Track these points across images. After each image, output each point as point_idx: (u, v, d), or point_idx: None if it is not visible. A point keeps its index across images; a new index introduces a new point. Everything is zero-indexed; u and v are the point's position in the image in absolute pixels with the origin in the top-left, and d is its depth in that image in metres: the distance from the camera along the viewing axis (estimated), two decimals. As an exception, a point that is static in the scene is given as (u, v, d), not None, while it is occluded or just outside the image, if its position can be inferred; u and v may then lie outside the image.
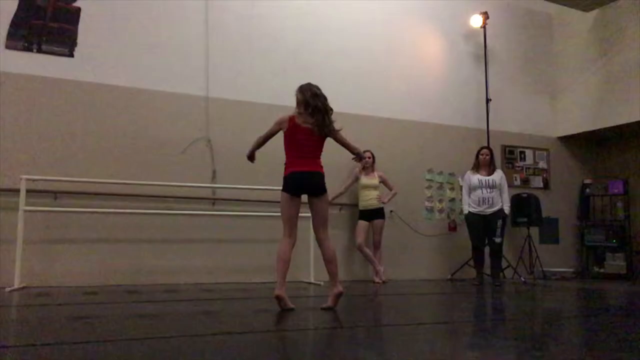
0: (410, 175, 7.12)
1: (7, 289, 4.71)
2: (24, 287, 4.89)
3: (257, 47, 6.50)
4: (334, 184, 6.53)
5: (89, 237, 5.49)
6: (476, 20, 7.70)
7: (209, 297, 4.75)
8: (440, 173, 7.42)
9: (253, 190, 6.02)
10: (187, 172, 5.90)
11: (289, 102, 6.46)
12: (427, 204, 7.29)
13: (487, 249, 6.58)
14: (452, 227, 7.33)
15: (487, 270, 6.63)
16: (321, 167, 3.98)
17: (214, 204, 6.07)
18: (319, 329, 3.26)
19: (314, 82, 6.70)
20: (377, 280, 6.31)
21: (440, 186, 7.42)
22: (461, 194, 6.90)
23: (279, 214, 6.05)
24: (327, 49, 6.88)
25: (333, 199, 6.50)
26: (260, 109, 6.35)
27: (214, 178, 6.07)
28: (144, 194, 5.66)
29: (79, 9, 5.76)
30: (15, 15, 5.52)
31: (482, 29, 7.69)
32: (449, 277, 7.01)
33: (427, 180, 7.34)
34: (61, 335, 2.87)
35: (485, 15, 7.63)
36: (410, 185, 7.06)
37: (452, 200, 7.45)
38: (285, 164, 3.96)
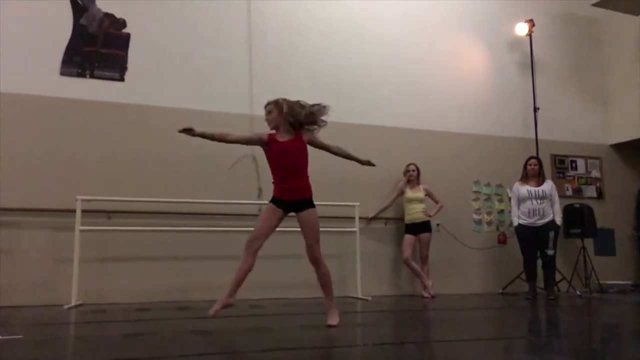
0: (457, 187, 7.00)
1: (65, 307, 4.88)
2: (80, 305, 5.05)
3: (299, 64, 6.58)
4: (378, 199, 6.52)
5: (141, 255, 5.64)
6: (521, 29, 7.57)
7: (258, 312, 4.79)
8: (488, 185, 7.28)
9: (298, 206, 6.04)
10: (234, 189, 5.98)
11: (332, 117, 6.52)
12: (475, 216, 7.15)
13: (539, 262, 6.38)
14: (502, 240, 7.15)
15: (540, 283, 6.42)
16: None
17: (260, 220, 6.12)
18: (368, 346, 3.22)
19: (354, 96, 6.81)
20: (425, 294, 6.21)
21: (488, 198, 7.26)
22: (510, 206, 6.74)
23: (325, 228, 6.11)
24: (367, 63, 6.89)
25: (378, 213, 6.49)
26: (303, 125, 6.42)
27: (259, 195, 6.14)
28: (192, 211, 5.77)
29: (128, 35, 5.98)
30: (69, 43, 5.78)
31: (528, 37, 7.55)
32: (501, 291, 6.83)
33: (474, 192, 7.20)
34: (118, 352, 2.95)
35: (531, 23, 7.49)
36: (456, 197, 6.94)
37: (501, 212, 7.28)
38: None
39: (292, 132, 3.74)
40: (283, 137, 3.72)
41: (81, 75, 5.79)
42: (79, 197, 5.17)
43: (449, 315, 4.96)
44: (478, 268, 6.97)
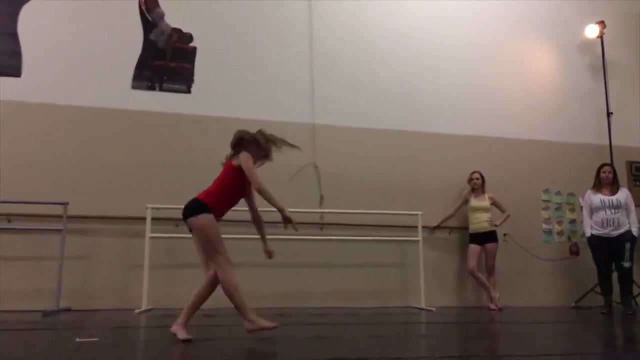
0: (525, 196, 6.76)
1: (136, 311, 5.07)
2: (150, 309, 5.23)
3: (360, 73, 6.60)
4: (441, 207, 6.40)
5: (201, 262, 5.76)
6: (592, 31, 7.27)
7: (320, 321, 4.79)
8: (558, 193, 6.98)
9: (360, 214, 6.03)
10: (295, 197, 6.03)
11: (395, 125, 6.53)
12: (544, 226, 6.88)
13: (615, 274, 6.05)
14: (574, 251, 6.83)
15: (616, 297, 6.08)
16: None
17: (322, 228, 6.16)
18: (435, 358, 3.14)
19: (418, 104, 6.73)
20: (492, 307, 6.02)
21: (559, 207, 6.97)
22: (582, 216, 6.43)
23: (387, 237, 6.12)
24: (431, 70, 6.82)
25: (442, 221, 6.37)
26: (365, 134, 6.42)
27: (321, 203, 6.17)
28: (256, 220, 5.86)
29: (195, 49, 6.19)
30: (140, 58, 6.05)
31: (599, 39, 7.23)
32: (573, 304, 6.51)
33: (544, 201, 6.93)
34: (188, 357, 3.02)
35: (602, 25, 7.18)
36: (525, 206, 6.69)
37: (573, 222, 6.96)
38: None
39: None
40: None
41: (151, 88, 6.04)
42: (149, 205, 5.37)
43: (517, 328, 4.77)
44: (548, 280, 6.69)
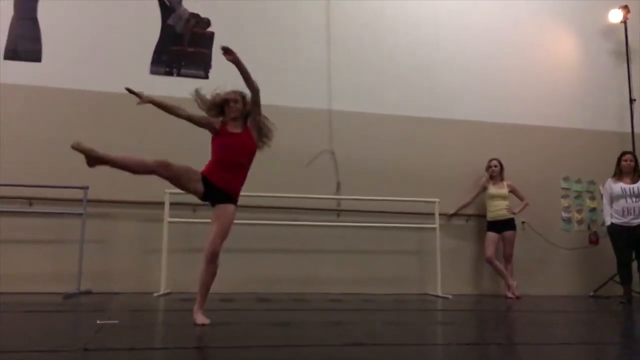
0: (544, 184, 6.67)
1: (155, 294, 5.13)
2: (168, 293, 5.29)
3: (377, 58, 6.53)
4: (459, 195, 6.35)
5: (224, 247, 5.80)
6: (615, 15, 7.10)
7: (337, 307, 4.81)
8: (578, 181, 6.89)
9: (377, 201, 6.02)
10: (312, 184, 6.04)
11: (413, 112, 6.48)
12: (564, 214, 6.79)
13: (635, 264, 5.97)
14: (594, 240, 6.74)
15: (635, 286, 6.01)
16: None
17: (338, 215, 6.16)
18: (452, 345, 3.14)
19: (436, 90, 6.65)
20: (509, 295, 5.98)
21: (579, 195, 6.87)
22: (602, 204, 6.33)
23: (404, 224, 6.10)
24: (449, 56, 6.72)
25: (459, 209, 6.33)
26: (382, 120, 6.38)
27: (338, 190, 6.16)
28: (272, 205, 5.88)
29: (212, 34, 6.18)
30: (158, 43, 6.06)
31: (623, 24, 7.07)
32: (592, 293, 6.44)
33: (563, 189, 6.84)
34: (205, 340, 3.06)
35: (626, 10, 7.01)
36: (544, 194, 6.61)
37: (593, 210, 6.87)
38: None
39: (241, 127, 3.67)
40: (234, 129, 3.65)
41: (169, 73, 6.05)
42: (167, 190, 5.41)
43: (535, 317, 4.74)
44: (567, 269, 6.62)
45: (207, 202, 3.70)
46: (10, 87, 5.57)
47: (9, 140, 5.47)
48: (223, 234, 3.57)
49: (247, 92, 3.71)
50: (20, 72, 5.64)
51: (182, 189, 3.59)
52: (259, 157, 5.93)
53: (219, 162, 3.63)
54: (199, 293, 3.57)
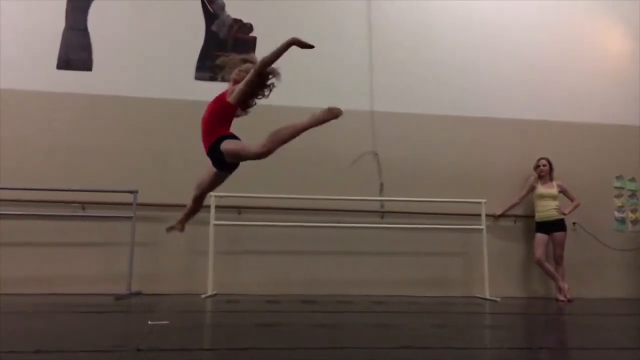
0: (596, 183, 6.44)
1: (202, 296, 5.22)
2: (215, 294, 5.37)
3: (420, 58, 6.47)
4: (506, 195, 6.20)
5: (269, 249, 5.87)
6: (671, 7, 6.81)
7: (382, 309, 4.77)
8: (633, 180, 6.61)
9: (421, 202, 5.95)
10: (355, 185, 6.02)
11: (457, 111, 6.38)
12: (617, 214, 6.54)
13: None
14: (649, 241, 6.47)
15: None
16: None
17: (382, 216, 6.12)
18: (503, 349, 3.07)
19: (480, 88, 6.52)
20: (561, 298, 5.80)
21: (633, 194, 6.60)
22: (659, 203, 6.07)
23: (450, 226, 6.00)
24: (493, 54, 6.59)
25: (506, 210, 6.18)
26: (425, 120, 6.31)
27: (381, 191, 6.13)
28: (316, 207, 5.90)
29: (255, 39, 6.26)
30: (202, 49, 6.17)
31: (679, 16, 6.77)
32: (648, 296, 6.19)
33: (617, 188, 6.58)
34: (253, 341, 3.08)
35: (682, -1, 6.71)
36: (595, 194, 6.38)
37: (648, 209, 6.60)
38: None
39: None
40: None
41: (213, 79, 6.13)
42: (212, 194, 5.49)
43: (588, 320, 4.58)
44: (622, 270, 6.37)
45: (224, 169, 3.56)
46: (63, 95, 5.80)
47: (63, 146, 5.68)
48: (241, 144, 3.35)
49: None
50: (72, 81, 5.85)
51: (216, 183, 3.59)
52: (305, 159, 6.00)
53: None
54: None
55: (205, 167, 3.52)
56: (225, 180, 5.91)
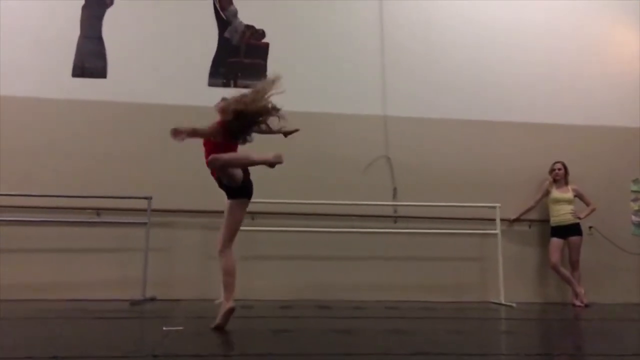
0: (612, 187, 6.36)
1: (216, 301, 5.21)
2: (229, 300, 5.36)
3: (433, 62, 6.45)
4: (521, 199, 6.15)
5: (282, 254, 5.87)
6: (687, 8, 6.72)
7: (396, 315, 4.75)
8: (649, 183, 6.54)
9: (435, 207, 5.92)
10: (368, 190, 6.01)
11: (471, 115, 6.35)
12: (634, 218, 6.45)
13: None
14: (667, 245, 6.37)
15: None
16: None
17: (395, 221, 6.09)
18: (520, 355, 3.04)
19: (494, 92, 6.49)
20: (577, 303, 5.73)
21: (650, 198, 6.53)
22: (677, 207, 5.98)
23: (464, 230, 5.96)
24: (506, 58, 6.54)
25: (521, 214, 6.13)
26: (438, 124, 6.28)
27: (394, 196, 6.11)
28: (329, 212, 5.89)
29: (267, 45, 6.28)
30: (215, 56, 6.21)
31: (696, 17, 6.69)
32: (666, 302, 6.09)
33: (633, 192, 6.50)
34: (269, 347, 3.09)
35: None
36: (611, 198, 6.31)
37: (666, 214, 6.50)
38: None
39: None
40: None
41: (226, 85, 6.18)
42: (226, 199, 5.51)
43: (606, 326, 4.52)
44: (638, 275, 6.28)
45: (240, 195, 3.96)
46: (78, 102, 5.86)
47: (78, 153, 5.73)
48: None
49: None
50: (87, 88, 5.91)
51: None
52: (318, 164, 6.00)
53: None
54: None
55: None
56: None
